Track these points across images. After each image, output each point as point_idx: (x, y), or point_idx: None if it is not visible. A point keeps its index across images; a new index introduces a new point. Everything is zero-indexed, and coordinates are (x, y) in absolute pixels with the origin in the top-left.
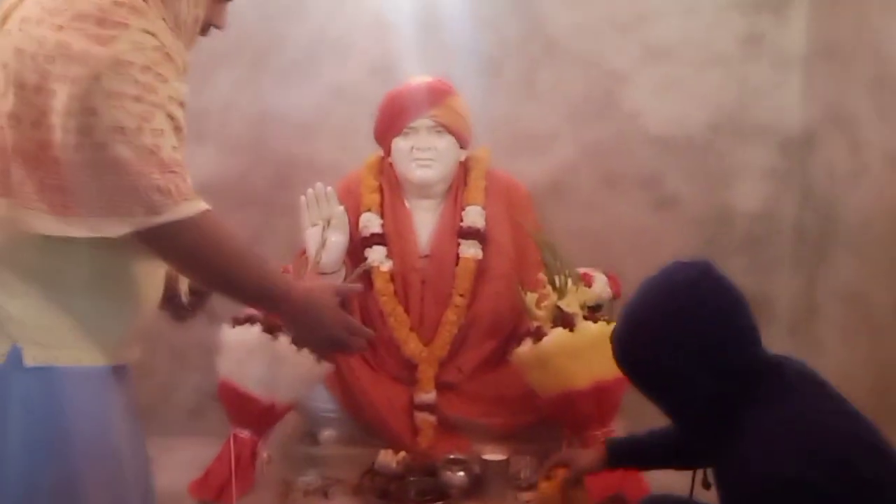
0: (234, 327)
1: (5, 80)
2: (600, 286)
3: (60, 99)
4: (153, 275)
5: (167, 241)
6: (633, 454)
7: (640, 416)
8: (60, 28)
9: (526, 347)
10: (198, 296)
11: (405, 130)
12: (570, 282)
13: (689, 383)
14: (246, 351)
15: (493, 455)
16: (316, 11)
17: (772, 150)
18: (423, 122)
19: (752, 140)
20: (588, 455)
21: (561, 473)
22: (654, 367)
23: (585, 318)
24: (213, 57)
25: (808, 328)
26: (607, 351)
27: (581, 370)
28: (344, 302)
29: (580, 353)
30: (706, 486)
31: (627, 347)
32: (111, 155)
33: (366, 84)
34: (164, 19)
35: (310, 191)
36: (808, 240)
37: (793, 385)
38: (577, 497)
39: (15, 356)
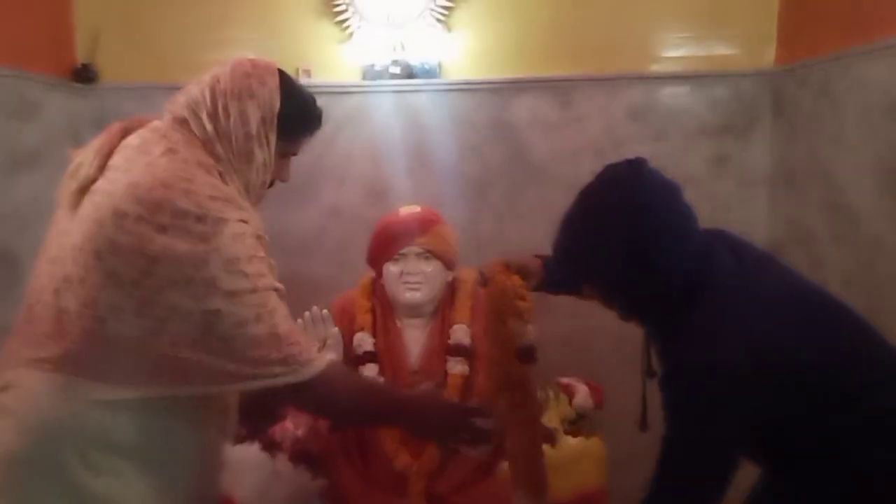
0: (234, 445)
1: (100, 271)
2: (582, 398)
3: (172, 298)
4: (219, 437)
5: (303, 398)
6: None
7: None
8: (163, 228)
9: None
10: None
11: (395, 256)
12: (551, 396)
13: (634, 278)
14: (245, 468)
15: None
16: (315, 140)
17: None
18: (411, 248)
19: None
20: (529, 262)
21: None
22: (595, 267)
23: (566, 432)
24: None
25: None
26: (588, 464)
27: (563, 483)
28: None
29: (561, 466)
30: (650, 374)
31: (569, 253)
32: (234, 346)
33: (361, 206)
34: (238, 191)
35: (307, 314)
36: None
37: (739, 266)
38: (517, 289)
39: None
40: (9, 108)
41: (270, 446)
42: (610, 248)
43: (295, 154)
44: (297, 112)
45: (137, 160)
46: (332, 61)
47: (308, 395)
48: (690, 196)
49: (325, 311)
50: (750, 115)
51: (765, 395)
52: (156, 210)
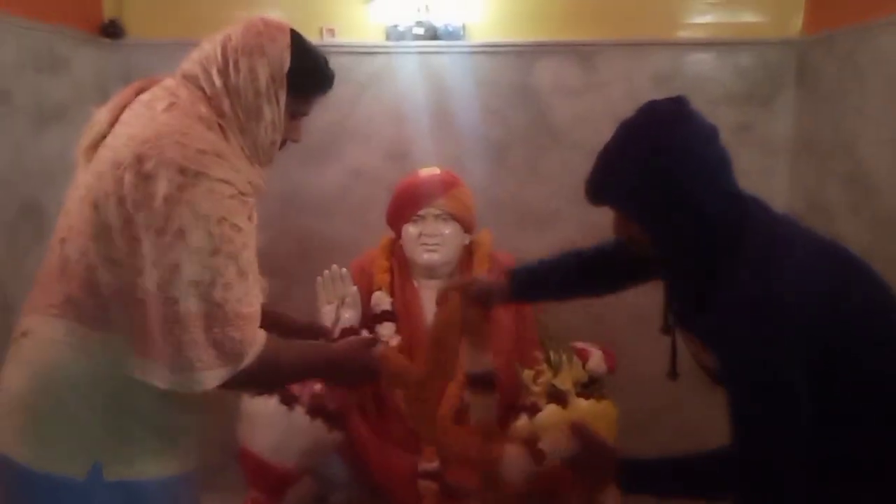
0: (253, 398)
1: (94, 221)
2: (595, 362)
3: (146, 249)
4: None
5: (235, 383)
6: (539, 284)
7: None
8: (147, 177)
9: (522, 422)
10: None
11: (414, 218)
12: (565, 359)
13: (675, 214)
14: (264, 421)
15: None
16: (338, 103)
17: None
18: (430, 210)
19: None
20: (491, 283)
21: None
22: (636, 201)
23: (578, 394)
24: None
25: None
26: (599, 426)
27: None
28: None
29: None
30: (666, 330)
31: (609, 187)
32: (182, 309)
33: (382, 167)
34: (242, 148)
35: (326, 272)
36: None
37: (775, 216)
38: (474, 317)
39: (96, 472)
40: (38, 62)
41: (288, 400)
42: (652, 182)
43: (305, 115)
44: (307, 71)
45: (142, 115)
46: (356, 21)
47: (244, 377)
48: None
49: (343, 269)
50: (774, 84)
51: (821, 336)
52: (145, 160)
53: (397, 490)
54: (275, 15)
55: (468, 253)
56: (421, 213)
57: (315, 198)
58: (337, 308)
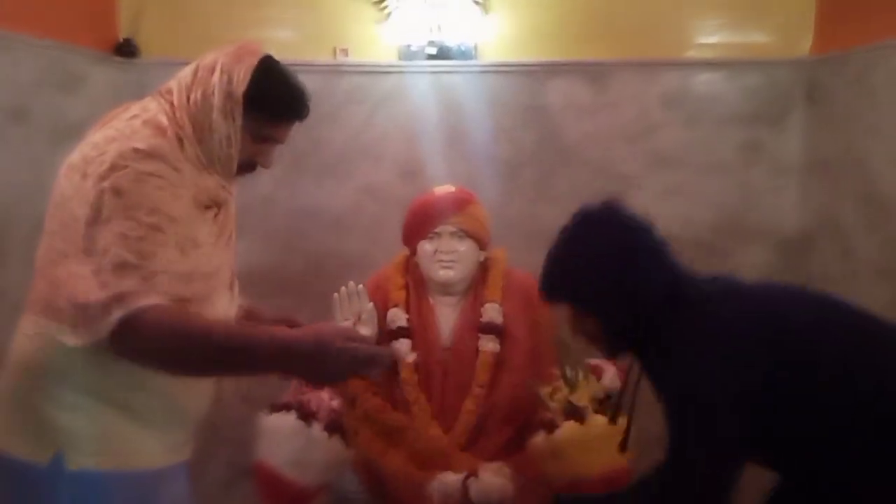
0: (271, 414)
1: (51, 219)
2: (609, 378)
3: (86, 243)
4: (194, 384)
5: (117, 348)
6: None
7: None
8: (86, 176)
9: (539, 438)
10: None
11: (430, 235)
12: (581, 376)
13: (618, 301)
14: (282, 436)
15: None
16: (351, 120)
17: (771, 252)
18: (445, 227)
19: (752, 241)
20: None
21: None
22: (585, 295)
23: (595, 411)
24: None
25: None
26: (616, 442)
27: (590, 460)
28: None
29: (590, 444)
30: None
31: (559, 283)
32: (107, 272)
33: (395, 185)
34: (198, 157)
35: (343, 289)
36: None
37: (706, 280)
38: None
39: (58, 461)
40: (54, 80)
41: (306, 416)
42: (600, 281)
43: (278, 141)
44: (269, 94)
45: (109, 125)
46: (369, 41)
47: (122, 342)
48: (721, 184)
49: (360, 286)
50: (783, 104)
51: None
52: (89, 161)
53: None
54: (287, 35)
55: (483, 269)
56: (436, 230)
57: (328, 215)
58: (353, 325)
